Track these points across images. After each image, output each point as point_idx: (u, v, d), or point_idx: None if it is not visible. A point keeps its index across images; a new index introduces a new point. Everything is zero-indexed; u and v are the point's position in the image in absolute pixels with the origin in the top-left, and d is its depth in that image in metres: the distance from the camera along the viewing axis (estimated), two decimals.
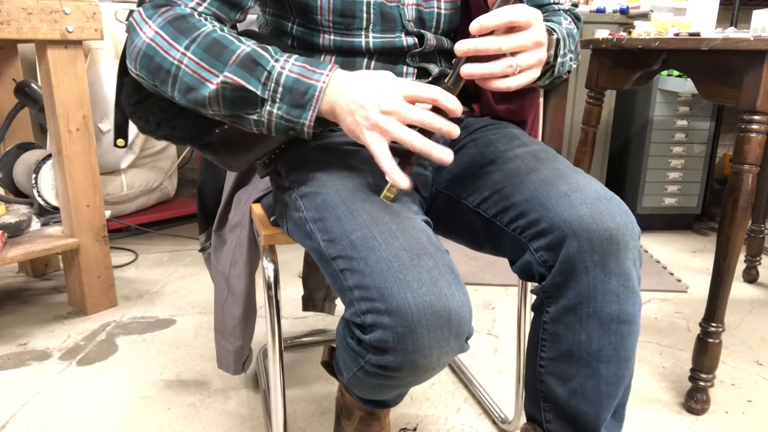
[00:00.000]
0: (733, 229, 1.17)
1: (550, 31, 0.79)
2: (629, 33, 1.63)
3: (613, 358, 0.76)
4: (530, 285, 1.12)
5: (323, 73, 0.70)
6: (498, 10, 0.66)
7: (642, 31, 1.62)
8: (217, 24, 0.74)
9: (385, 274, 0.63)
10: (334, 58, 0.88)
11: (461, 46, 0.67)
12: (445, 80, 0.70)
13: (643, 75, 1.48)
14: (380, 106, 0.67)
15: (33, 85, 1.73)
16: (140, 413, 1.25)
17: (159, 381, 1.37)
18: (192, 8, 0.75)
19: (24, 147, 1.81)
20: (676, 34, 1.43)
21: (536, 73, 0.71)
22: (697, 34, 1.33)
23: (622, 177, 2.64)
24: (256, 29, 0.98)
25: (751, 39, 1.07)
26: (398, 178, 0.68)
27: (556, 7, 0.92)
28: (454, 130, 0.68)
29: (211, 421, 1.22)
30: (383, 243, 0.65)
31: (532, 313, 0.83)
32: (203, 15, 0.76)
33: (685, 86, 2.19)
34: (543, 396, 0.82)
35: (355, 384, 0.74)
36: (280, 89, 0.69)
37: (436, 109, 0.69)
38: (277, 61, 0.70)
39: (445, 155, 0.68)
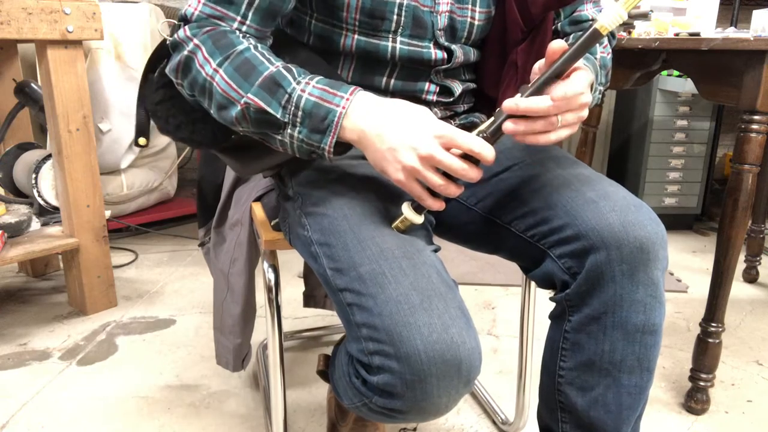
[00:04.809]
0: (733, 229, 1.17)
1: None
2: (629, 33, 1.63)
3: (636, 368, 0.75)
4: (534, 287, 1.11)
5: (343, 96, 0.68)
6: (559, 85, 0.64)
7: (642, 31, 1.61)
8: (253, 41, 0.73)
9: (395, 316, 0.61)
10: (353, 66, 0.84)
11: (510, 105, 0.65)
12: (484, 129, 0.67)
13: (643, 75, 1.48)
14: (417, 151, 0.65)
15: (33, 85, 1.73)
16: (140, 413, 1.25)
17: (159, 381, 1.37)
18: (236, 29, 0.74)
19: (24, 147, 1.81)
20: (676, 34, 1.42)
21: (575, 129, 0.69)
22: (697, 34, 1.33)
23: (622, 177, 2.64)
24: None
25: (751, 39, 1.07)
26: (431, 203, 0.68)
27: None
28: (479, 177, 0.67)
29: (211, 421, 1.22)
30: (393, 281, 0.64)
31: (550, 322, 0.81)
32: (246, 34, 0.75)
33: (685, 86, 2.19)
34: (561, 406, 0.80)
35: (357, 412, 0.72)
36: (300, 113, 0.68)
37: (466, 155, 0.66)
38: (298, 83, 0.69)
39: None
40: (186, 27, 0.74)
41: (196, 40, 0.72)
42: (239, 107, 0.69)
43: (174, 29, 0.76)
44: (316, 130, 0.68)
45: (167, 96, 0.80)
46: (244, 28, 0.75)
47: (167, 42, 0.77)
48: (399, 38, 0.82)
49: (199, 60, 0.71)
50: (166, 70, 0.77)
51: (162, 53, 0.80)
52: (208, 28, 0.73)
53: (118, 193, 2.26)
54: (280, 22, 0.90)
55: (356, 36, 0.82)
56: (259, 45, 0.73)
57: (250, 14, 0.74)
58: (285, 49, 0.80)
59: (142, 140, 0.89)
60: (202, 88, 0.72)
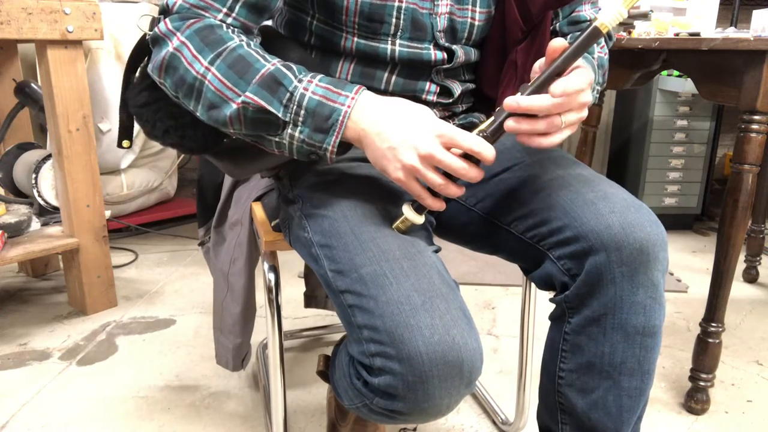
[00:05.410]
0: (733, 229, 1.17)
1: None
2: (629, 33, 1.63)
3: (636, 371, 0.74)
4: (534, 288, 1.11)
5: (348, 96, 0.67)
6: (559, 81, 0.64)
7: (642, 31, 1.61)
8: (244, 38, 0.71)
9: (396, 318, 0.61)
10: (353, 66, 0.83)
11: (511, 103, 0.64)
12: (484, 128, 0.67)
13: (643, 75, 1.48)
14: (417, 150, 0.64)
15: (33, 85, 1.73)
16: (140, 413, 1.25)
17: (159, 381, 1.37)
18: (221, 20, 0.71)
19: (24, 147, 1.81)
20: (676, 34, 1.43)
21: (575, 128, 0.69)
22: (697, 34, 1.33)
23: (622, 177, 2.64)
24: (270, 23, 0.93)
25: (751, 39, 1.07)
26: (431, 203, 0.67)
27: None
28: (480, 177, 0.66)
29: (211, 421, 1.22)
30: (394, 282, 0.64)
31: (550, 323, 0.81)
32: (231, 27, 0.72)
33: (685, 86, 2.19)
34: (561, 408, 0.80)
35: (357, 413, 0.72)
36: (303, 112, 0.66)
37: (466, 155, 0.65)
38: (300, 81, 0.67)
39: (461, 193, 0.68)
40: (167, 20, 0.70)
41: (180, 36, 0.68)
42: (235, 106, 0.67)
43: (153, 23, 0.72)
44: (319, 130, 0.67)
45: (152, 98, 0.76)
46: (229, 21, 0.72)
47: (147, 37, 0.73)
48: (398, 41, 0.81)
49: (187, 58, 0.68)
50: (148, 69, 0.73)
51: (142, 50, 0.77)
52: (192, 21, 0.69)
53: (118, 193, 2.26)
54: (277, 23, 0.89)
55: (356, 39, 0.81)
56: (251, 42, 0.71)
57: (237, 6, 0.71)
58: (278, 48, 0.78)
59: (126, 143, 0.84)
60: (190, 87, 0.69)
